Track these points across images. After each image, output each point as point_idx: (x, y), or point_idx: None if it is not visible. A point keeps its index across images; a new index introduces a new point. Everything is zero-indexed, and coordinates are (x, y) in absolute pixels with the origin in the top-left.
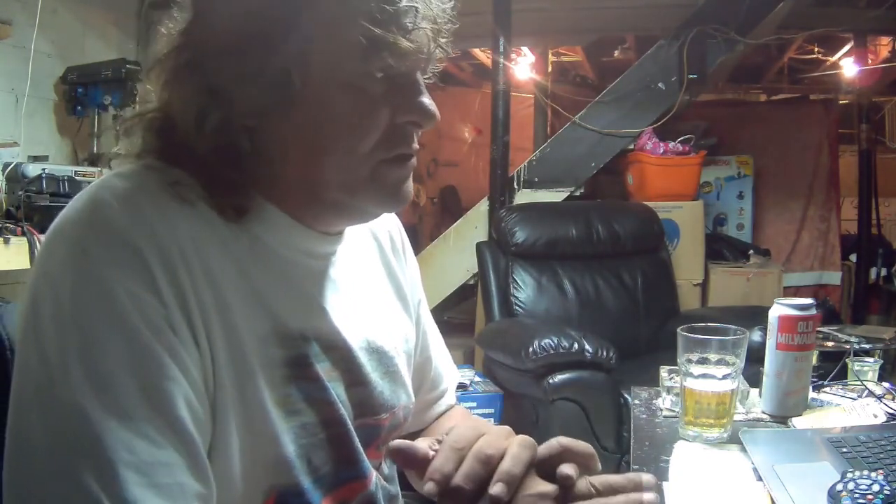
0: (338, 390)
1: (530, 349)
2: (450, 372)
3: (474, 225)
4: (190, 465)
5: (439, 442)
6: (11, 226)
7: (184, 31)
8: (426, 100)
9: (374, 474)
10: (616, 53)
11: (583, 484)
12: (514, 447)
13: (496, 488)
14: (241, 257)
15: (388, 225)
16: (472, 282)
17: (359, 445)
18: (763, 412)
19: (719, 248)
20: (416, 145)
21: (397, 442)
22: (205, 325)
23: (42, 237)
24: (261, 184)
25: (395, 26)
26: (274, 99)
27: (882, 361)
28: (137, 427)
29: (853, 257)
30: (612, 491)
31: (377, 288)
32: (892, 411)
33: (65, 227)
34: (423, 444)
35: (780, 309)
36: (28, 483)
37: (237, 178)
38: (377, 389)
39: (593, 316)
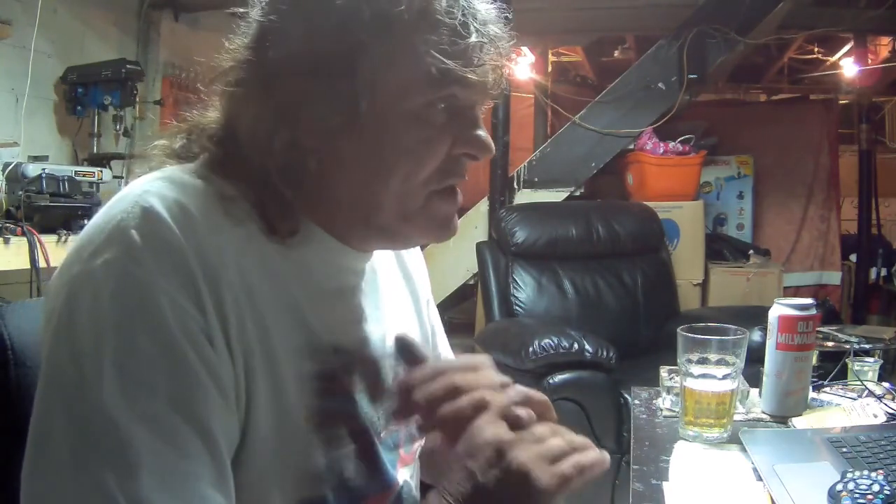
0: (363, 402)
1: (530, 349)
2: None
3: (474, 225)
4: (215, 477)
5: None
6: (11, 226)
7: (252, 46)
8: (482, 133)
9: (398, 485)
10: (616, 53)
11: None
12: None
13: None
14: (280, 272)
15: None
16: (472, 282)
17: (383, 457)
18: (763, 412)
19: (719, 248)
20: (465, 177)
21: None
22: (242, 342)
23: (42, 237)
24: (311, 205)
25: (463, 60)
26: (340, 122)
27: (882, 361)
28: (166, 435)
29: (853, 257)
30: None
31: (397, 293)
32: (892, 411)
33: (110, 229)
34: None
35: (780, 309)
36: (48, 480)
37: (293, 198)
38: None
39: (593, 316)
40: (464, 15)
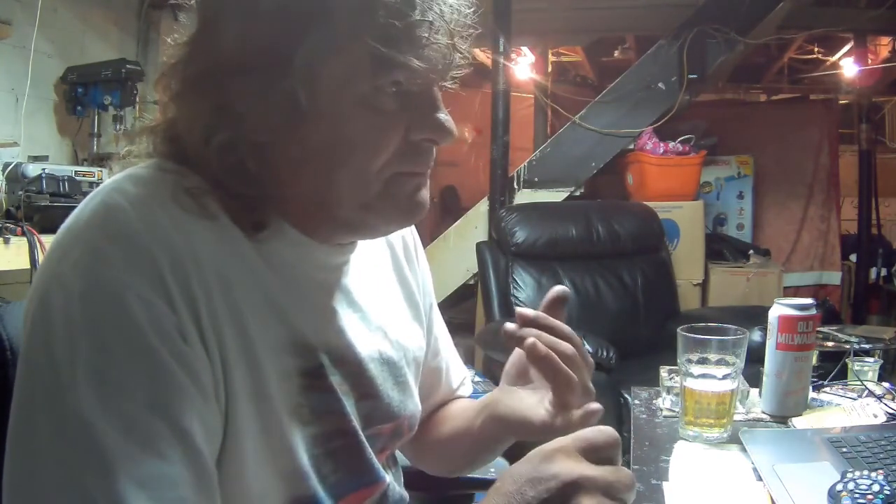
0: (349, 402)
1: None
2: (459, 371)
3: (474, 225)
4: (195, 480)
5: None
6: (11, 226)
7: (190, 42)
8: (442, 115)
9: (386, 481)
10: (616, 53)
11: None
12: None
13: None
14: (257, 268)
15: (402, 230)
16: (472, 282)
17: (371, 454)
18: (763, 412)
19: (719, 248)
20: (431, 164)
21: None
22: (217, 334)
23: (42, 237)
24: (274, 200)
25: (406, 43)
26: (282, 117)
27: (882, 361)
28: (143, 439)
29: (853, 257)
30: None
31: (389, 296)
32: (892, 411)
33: (78, 229)
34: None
35: (780, 309)
36: (29, 488)
37: (250, 194)
38: (385, 401)
39: (593, 316)
40: None
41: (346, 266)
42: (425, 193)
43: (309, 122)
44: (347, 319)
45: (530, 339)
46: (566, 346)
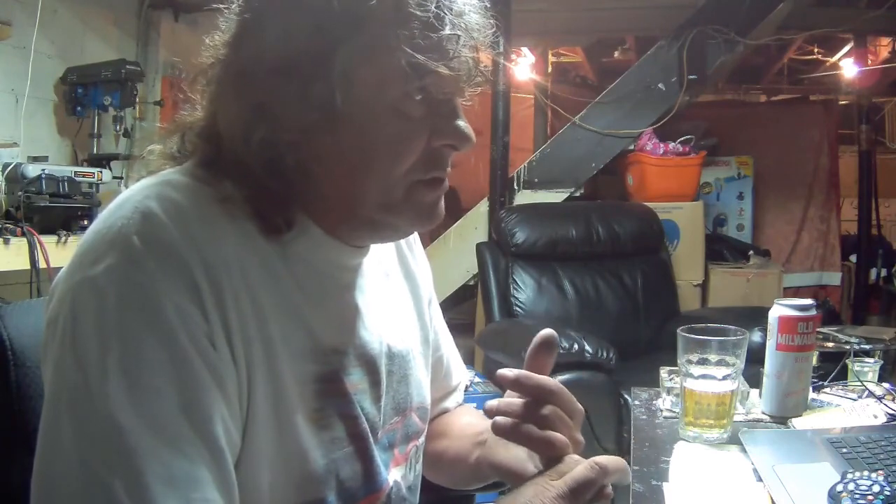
0: (363, 403)
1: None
2: (460, 370)
3: (474, 226)
4: (219, 481)
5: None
6: (11, 226)
7: (230, 43)
8: (462, 123)
9: (388, 486)
10: (616, 54)
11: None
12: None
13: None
14: (279, 274)
15: None
16: (472, 282)
17: (378, 458)
18: (763, 413)
19: (719, 248)
20: (449, 168)
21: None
22: (244, 342)
23: (42, 238)
24: (301, 199)
25: (437, 53)
26: (318, 118)
27: (882, 362)
28: (171, 441)
29: (853, 258)
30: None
31: (397, 292)
32: (892, 412)
33: (111, 235)
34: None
35: (780, 309)
36: (57, 489)
37: (283, 192)
38: (391, 395)
39: (593, 316)
40: (438, 7)
41: (362, 266)
42: (442, 205)
43: (342, 124)
44: (363, 317)
45: (496, 419)
46: (547, 410)
